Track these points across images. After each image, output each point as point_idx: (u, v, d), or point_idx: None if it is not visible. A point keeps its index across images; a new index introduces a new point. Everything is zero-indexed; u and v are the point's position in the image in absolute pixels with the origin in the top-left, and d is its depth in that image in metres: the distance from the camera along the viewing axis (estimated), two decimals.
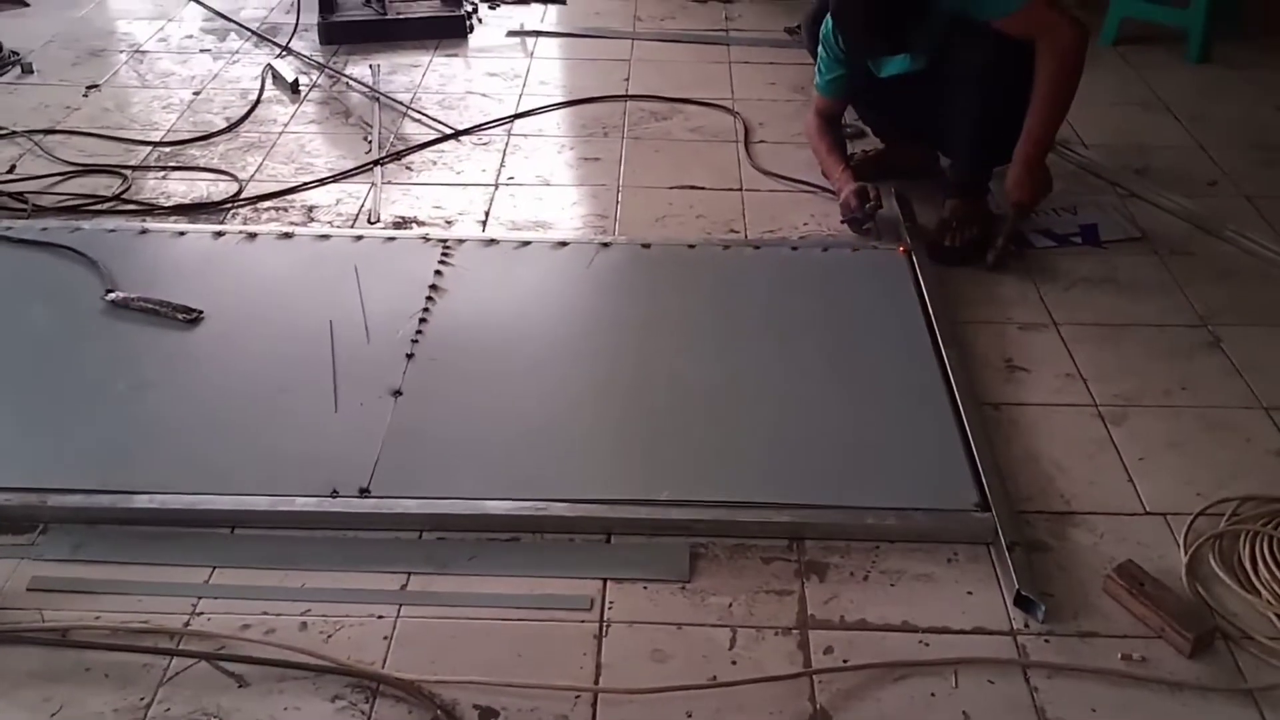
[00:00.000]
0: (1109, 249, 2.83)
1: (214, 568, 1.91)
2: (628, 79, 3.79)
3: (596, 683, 1.71)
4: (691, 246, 2.78)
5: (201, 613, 1.83)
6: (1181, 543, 1.95)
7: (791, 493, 2.02)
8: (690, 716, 1.66)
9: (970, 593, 1.87)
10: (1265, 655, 1.76)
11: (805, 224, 2.92)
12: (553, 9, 4.44)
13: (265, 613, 1.83)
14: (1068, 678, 1.73)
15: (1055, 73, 2.53)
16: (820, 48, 2.86)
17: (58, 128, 3.39)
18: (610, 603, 1.85)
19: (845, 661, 1.75)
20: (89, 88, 3.69)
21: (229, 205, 3.00)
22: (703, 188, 3.11)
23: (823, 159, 2.97)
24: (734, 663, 1.75)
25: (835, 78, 2.87)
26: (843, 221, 2.85)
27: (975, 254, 2.72)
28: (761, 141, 3.36)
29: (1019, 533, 1.94)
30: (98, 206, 2.97)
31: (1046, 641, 1.79)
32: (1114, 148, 3.31)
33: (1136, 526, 2.01)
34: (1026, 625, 1.81)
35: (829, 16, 2.76)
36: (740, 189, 3.10)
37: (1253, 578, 1.87)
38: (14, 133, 3.34)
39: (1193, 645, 1.75)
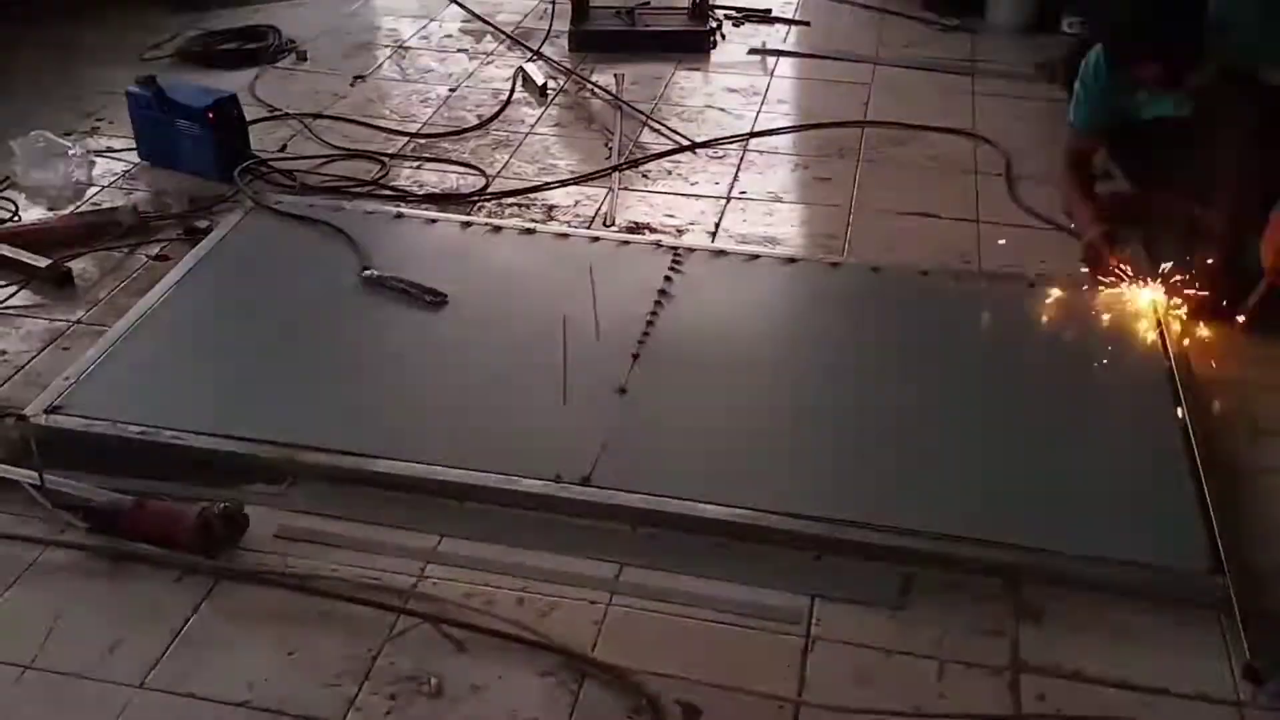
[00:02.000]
0: None
1: (442, 536, 2.02)
2: (867, 103, 3.77)
3: (800, 696, 1.72)
4: (923, 274, 2.76)
5: (428, 576, 1.93)
6: None
7: (1012, 532, 1.98)
8: None
9: (1196, 658, 1.79)
10: None
11: (1043, 262, 2.84)
12: (795, 29, 4.47)
13: (487, 584, 1.92)
14: None
15: None
16: (1079, 84, 2.79)
17: (326, 113, 3.63)
18: (817, 619, 1.86)
19: (1058, 711, 1.70)
20: (355, 78, 3.93)
21: (476, 198, 3.16)
22: (938, 216, 3.07)
23: (1069, 197, 2.90)
24: (941, 696, 1.73)
25: (1092, 117, 2.79)
26: (1081, 262, 2.77)
27: (1226, 311, 2.59)
28: (1000, 175, 3.29)
29: (1254, 601, 1.84)
30: (358, 189, 3.17)
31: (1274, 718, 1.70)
32: None
33: None
34: (1254, 699, 1.73)
35: (1092, 51, 2.69)
36: (976, 220, 3.05)
37: None
38: (287, 114, 3.59)
39: None
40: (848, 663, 1.78)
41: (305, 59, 4.08)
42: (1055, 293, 2.67)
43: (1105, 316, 2.59)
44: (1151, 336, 2.51)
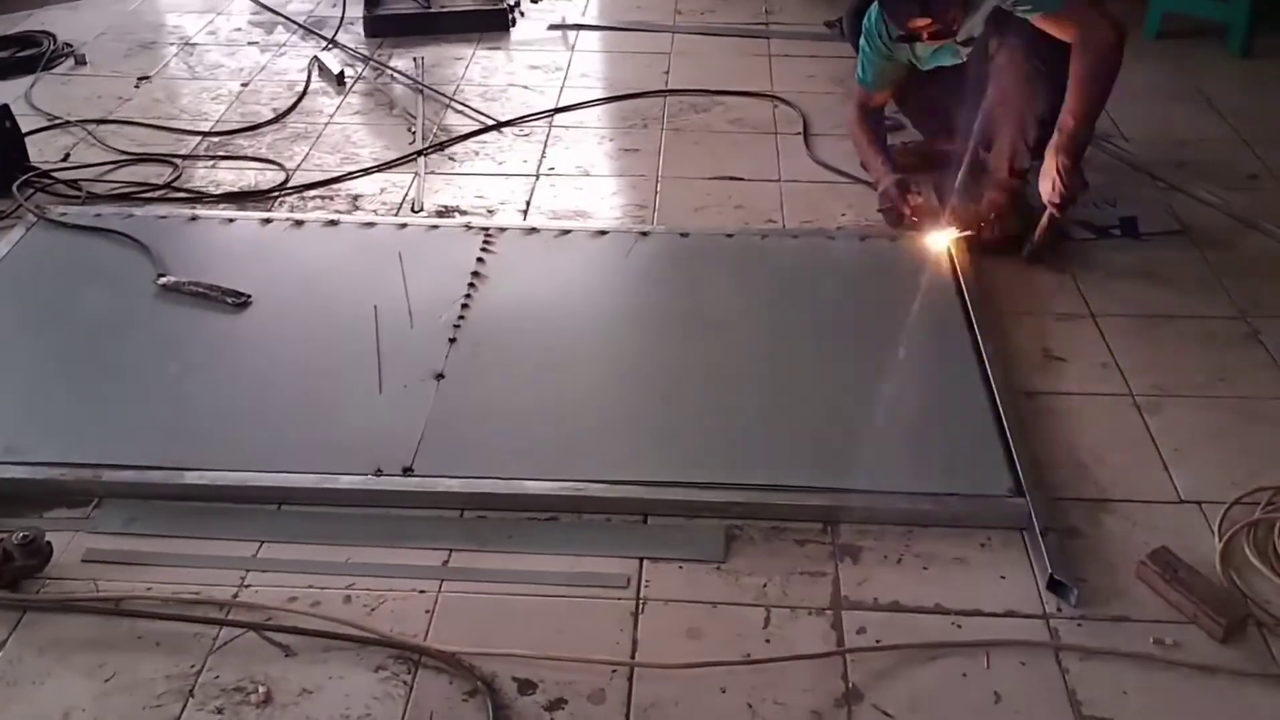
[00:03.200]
0: (1148, 241, 2.83)
1: (262, 542, 1.96)
2: (667, 72, 3.82)
3: (633, 658, 1.75)
4: (729, 236, 2.82)
5: (250, 585, 1.88)
6: (1216, 531, 1.96)
7: (827, 477, 2.05)
8: (724, 692, 1.69)
9: (1003, 577, 1.89)
10: None
11: (843, 214, 2.94)
12: (594, 3, 4.48)
13: (311, 586, 1.88)
14: (1099, 661, 1.74)
15: (1090, 71, 2.51)
16: (863, 40, 2.87)
17: (110, 118, 3.47)
18: (647, 581, 1.89)
19: (878, 642, 1.77)
20: (140, 79, 3.77)
21: (276, 194, 3.07)
22: (741, 179, 3.13)
23: (863, 151, 2.99)
24: (768, 641, 1.78)
25: (878, 71, 2.88)
26: (880, 211, 2.87)
27: (1012, 246, 2.73)
28: (798, 133, 3.38)
29: (1053, 518, 1.95)
30: (149, 194, 3.04)
31: (1079, 625, 1.80)
32: (1155, 141, 3.30)
33: (1171, 515, 2.02)
34: (1059, 609, 1.83)
35: (871, 9, 2.77)
36: (779, 180, 3.12)
37: None
38: (68, 122, 3.42)
39: (1225, 631, 1.76)
40: (678, 620, 1.82)
41: (85, 62, 3.88)
42: (855, 243, 2.77)
43: (903, 261, 2.69)
44: (946, 276, 2.62)
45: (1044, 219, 2.70)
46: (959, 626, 1.80)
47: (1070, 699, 1.69)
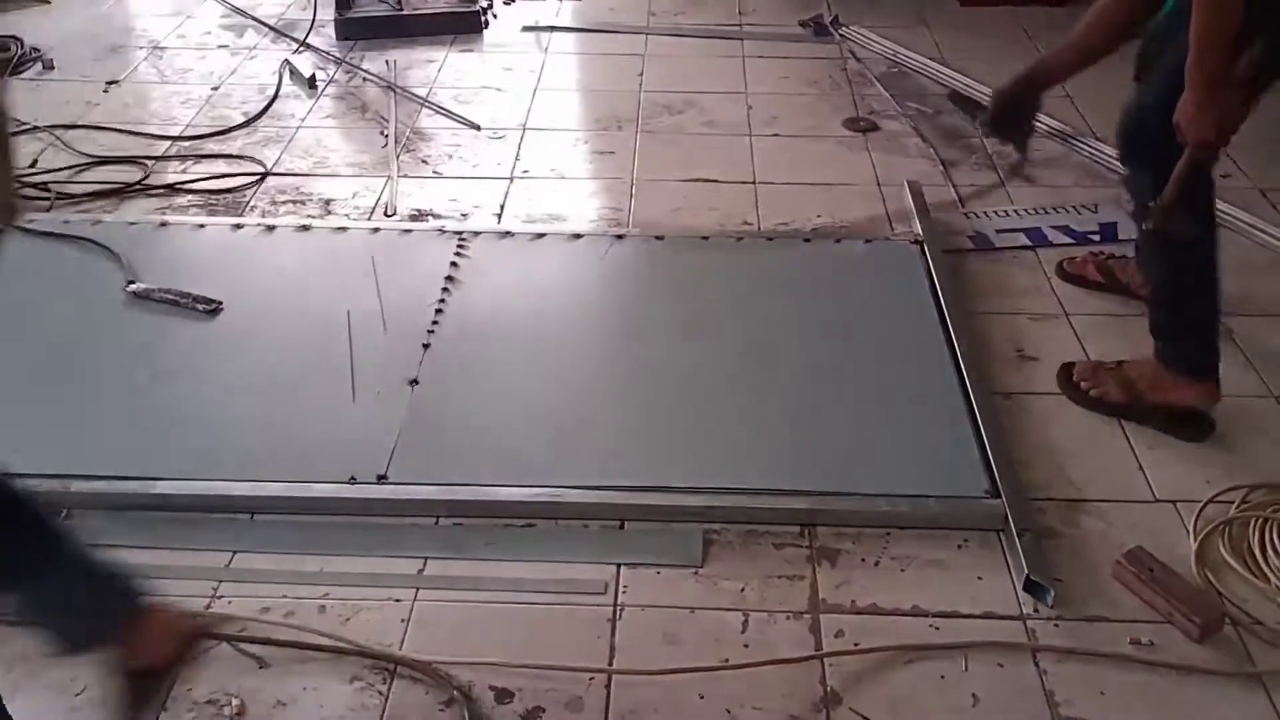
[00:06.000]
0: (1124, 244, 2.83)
1: (234, 552, 1.94)
2: (641, 73, 3.80)
3: (611, 664, 1.74)
4: (705, 238, 2.81)
5: (222, 596, 1.86)
6: (1191, 530, 1.97)
7: (804, 480, 2.04)
8: (703, 698, 1.69)
9: (980, 578, 1.89)
10: (1273, 640, 1.78)
11: (818, 216, 2.94)
12: (567, 4, 4.46)
13: (285, 596, 1.86)
14: (1077, 661, 1.75)
15: None
16: None
17: (79, 123, 3.42)
18: (624, 587, 1.88)
19: (856, 645, 1.77)
20: (109, 83, 3.72)
21: (247, 198, 3.03)
22: (716, 180, 3.13)
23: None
24: (746, 646, 1.77)
25: None
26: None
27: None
28: (775, 135, 3.37)
29: (1029, 519, 1.96)
30: (118, 190, 3.01)
31: (1056, 626, 1.81)
32: None
33: (1146, 514, 2.02)
34: (1036, 610, 1.84)
35: None
36: (754, 182, 3.12)
37: (1262, 564, 1.89)
38: (36, 128, 3.37)
39: (1201, 630, 1.77)
40: (656, 625, 1.81)
41: (52, 67, 3.82)
42: (829, 245, 2.77)
43: (877, 263, 2.69)
44: (920, 277, 2.61)
45: (1180, 168, 2.03)
46: (936, 629, 1.80)
47: (1048, 700, 1.69)
